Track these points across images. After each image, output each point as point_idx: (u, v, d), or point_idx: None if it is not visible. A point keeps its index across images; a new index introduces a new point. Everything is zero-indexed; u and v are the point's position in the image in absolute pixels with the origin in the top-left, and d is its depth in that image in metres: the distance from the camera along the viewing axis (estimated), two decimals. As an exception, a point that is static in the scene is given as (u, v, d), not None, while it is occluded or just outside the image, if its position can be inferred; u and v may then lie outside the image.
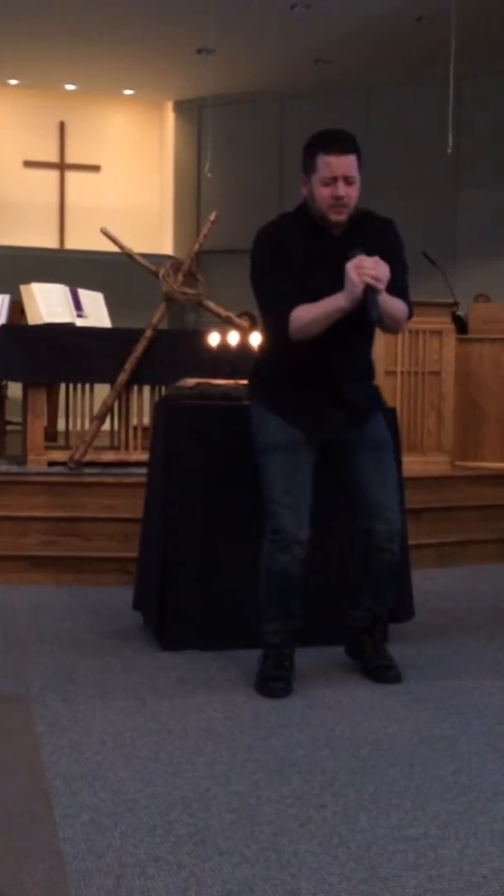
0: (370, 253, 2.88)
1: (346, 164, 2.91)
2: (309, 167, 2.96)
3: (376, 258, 2.85)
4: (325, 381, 3.04)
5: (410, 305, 3.09)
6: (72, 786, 2.31)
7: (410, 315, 3.10)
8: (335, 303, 2.88)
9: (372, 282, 2.82)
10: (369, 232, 3.03)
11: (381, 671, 3.16)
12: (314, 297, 2.92)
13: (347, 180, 2.91)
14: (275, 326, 3.02)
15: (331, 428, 3.08)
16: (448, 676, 3.23)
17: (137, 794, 2.27)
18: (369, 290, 2.82)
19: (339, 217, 2.96)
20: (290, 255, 2.98)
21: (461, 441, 5.82)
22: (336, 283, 2.89)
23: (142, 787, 2.31)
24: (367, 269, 2.82)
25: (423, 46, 10.11)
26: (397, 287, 2.97)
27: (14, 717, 2.79)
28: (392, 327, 3.06)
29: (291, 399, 3.06)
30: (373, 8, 9.48)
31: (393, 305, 2.96)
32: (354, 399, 3.09)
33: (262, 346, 3.20)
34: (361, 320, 2.91)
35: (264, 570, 3.08)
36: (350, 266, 2.84)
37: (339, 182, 2.91)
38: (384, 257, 2.90)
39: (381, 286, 2.83)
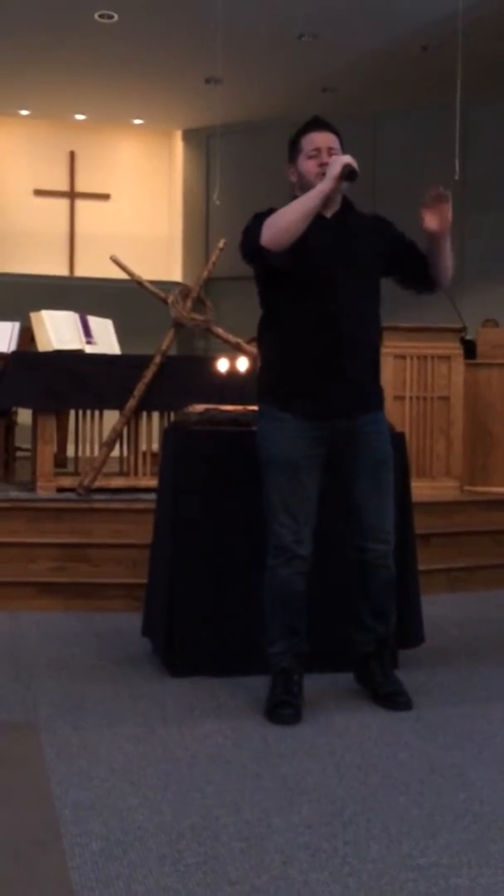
0: (359, 238, 3.07)
1: (328, 137, 3.10)
2: (294, 152, 3.13)
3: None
4: (327, 359, 3.03)
5: None
6: (80, 814, 2.30)
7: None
8: (314, 189, 2.96)
9: (351, 161, 2.95)
10: (361, 219, 3.15)
11: (390, 698, 3.14)
12: (305, 273, 2.98)
13: (331, 152, 3.06)
14: (244, 243, 3.03)
15: (334, 411, 3.05)
16: (459, 703, 3.21)
17: (146, 823, 2.25)
18: (347, 167, 2.95)
19: None
20: None
21: (470, 466, 5.81)
22: (330, 261, 2.98)
23: (151, 815, 2.30)
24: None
25: (429, 74, 10.20)
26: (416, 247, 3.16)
27: (22, 745, 2.78)
28: (442, 272, 3.15)
29: (293, 381, 3.06)
30: (378, 37, 9.57)
31: (448, 255, 3.12)
32: (358, 378, 3.07)
33: (260, 334, 3.20)
34: (359, 297, 3.02)
35: (267, 586, 3.10)
36: (333, 157, 3.00)
37: (324, 152, 3.06)
38: (381, 237, 3.13)
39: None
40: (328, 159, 3.03)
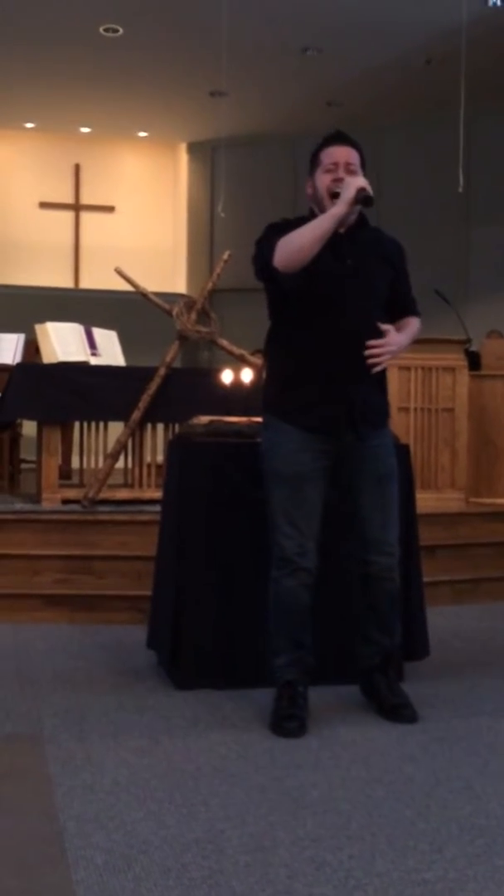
0: (370, 258, 3.07)
1: (347, 152, 3.06)
2: (313, 165, 3.11)
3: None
4: (333, 379, 3.03)
5: (419, 310, 3.29)
6: (85, 827, 2.29)
7: (421, 315, 3.30)
8: (327, 213, 2.96)
9: (366, 185, 2.94)
10: (375, 239, 3.16)
11: (396, 710, 3.13)
12: (317, 288, 2.98)
13: (349, 168, 3.03)
14: (257, 260, 3.04)
15: (339, 432, 3.05)
16: (464, 715, 3.20)
17: (151, 836, 2.25)
18: (361, 191, 2.94)
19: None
20: None
21: (475, 477, 5.80)
22: (340, 280, 2.99)
23: (156, 828, 2.29)
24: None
25: (433, 88, 10.24)
26: (409, 301, 3.24)
27: (27, 757, 2.78)
28: None
29: (298, 398, 3.07)
30: (382, 51, 9.61)
31: (412, 333, 3.20)
32: (363, 398, 3.07)
33: (267, 347, 3.20)
34: (369, 315, 3.02)
35: (272, 598, 3.10)
36: (347, 178, 2.98)
37: (340, 168, 3.04)
38: (392, 268, 3.15)
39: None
40: (343, 174, 3.01)
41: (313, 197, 3.11)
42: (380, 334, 3.08)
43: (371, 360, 3.00)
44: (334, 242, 2.99)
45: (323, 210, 3.03)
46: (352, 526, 3.14)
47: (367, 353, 2.99)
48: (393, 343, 3.04)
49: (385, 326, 3.04)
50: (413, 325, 3.24)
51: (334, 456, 3.07)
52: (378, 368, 3.03)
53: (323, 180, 3.05)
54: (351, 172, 3.02)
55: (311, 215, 3.10)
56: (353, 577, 3.18)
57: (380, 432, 3.15)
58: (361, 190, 2.93)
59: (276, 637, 3.12)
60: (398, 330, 3.14)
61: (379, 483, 3.11)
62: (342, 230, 3.04)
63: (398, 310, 3.22)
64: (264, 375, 3.25)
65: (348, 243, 3.05)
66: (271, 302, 3.14)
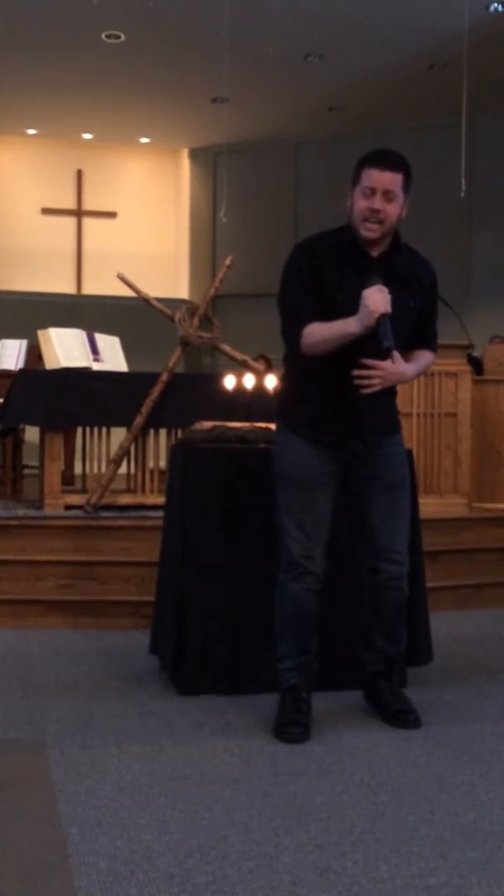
0: (400, 286, 2.93)
1: (388, 178, 2.93)
2: (355, 179, 3.00)
3: (387, 294, 2.88)
4: (342, 397, 3.02)
5: (436, 345, 3.25)
6: (88, 833, 2.29)
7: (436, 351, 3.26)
8: (346, 327, 2.91)
9: (387, 308, 2.85)
10: (409, 265, 3.07)
11: (399, 716, 3.13)
12: (343, 313, 2.92)
13: (387, 196, 2.93)
14: (289, 339, 3.06)
15: (348, 446, 3.05)
16: (468, 721, 3.19)
17: (154, 842, 2.24)
18: (383, 318, 2.85)
19: (369, 233, 2.96)
20: (323, 268, 2.99)
21: (478, 483, 5.80)
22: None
23: (159, 834, 2.29)
24: (381, 301, 2.85)
25: (435, 93, 10.25)
26: (429, 334, 3.19)
27: (30, 763, 2.78)
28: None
29: (309, 414, 3.07)
30: (385, 57, 9.62)
31: (421, 367, 3.17)
32: (374, 419, 3.06)
33: (285, 362, 3.21)
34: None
35: (278, 601, 3.10)
36: (366, 293, 2.86)
37: (378, 195, 2.92)
38: (421, 297, 3.06)
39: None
40: (380, 204, 2.91)
41: (349, 213, 3.01)
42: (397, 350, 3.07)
43: (359, 382, 2.93)
44: (364, 268, 2.95)
45: (356, 227, 2.98)
46: (362, 533, 3.14)
47: (357, 372, 2.92)
48: (389, 371, 2.94)
49: (390, 362, 2.96)
50: (425, 359, 3.18)
51: (345, 462, 3.08)
52: (367, 391, 2.95)
53: (360, 205, 2.96)
54: (388, 200, 2.93)
55: (345, 235, 3.03)
56: (362, 583, 3.18)
57: (391, 440, 3.14)
58: (382, 318, 2.85)
59: (280, 641, 3.12)
60: (407, 360, 3.09)
61: (389, 491, 3.10)
62: (375, 255, 2.99)
63: (415, 339, 3.14)
64: (281, 383, 3.26)
65: (378, 270, 2.97)
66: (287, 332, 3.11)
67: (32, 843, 2.25)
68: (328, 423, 3.04)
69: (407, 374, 3.06)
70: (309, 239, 3.10)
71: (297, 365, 3.12)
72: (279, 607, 3.11)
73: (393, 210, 2.94)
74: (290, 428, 3.11)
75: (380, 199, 2.92)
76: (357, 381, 2.94)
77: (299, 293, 3.01)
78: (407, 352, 3.11)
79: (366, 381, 2.94)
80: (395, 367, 2.97)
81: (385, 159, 2.96)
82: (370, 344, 2.91)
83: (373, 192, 2.93)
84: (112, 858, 2.16)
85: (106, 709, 3.27)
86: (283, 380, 3.22)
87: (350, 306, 2.91)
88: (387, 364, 2.94)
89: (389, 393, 3.13)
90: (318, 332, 2.95)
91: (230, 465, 3.52)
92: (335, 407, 3.04)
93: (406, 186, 2.98)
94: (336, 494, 3.09)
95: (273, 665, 3.13)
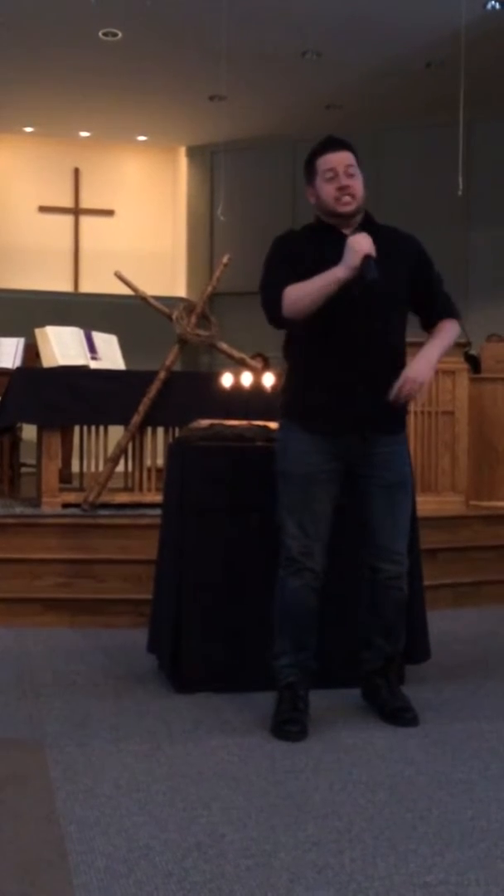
0: (383, 256, 2.93)
1: (344, 156, 3.05)
2: (311, 174, 3.09)
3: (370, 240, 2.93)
4: (344, 388, 3.03)
5: (456, 310, 3.21)
6: (86, 832, 2.29)
7: (460, 316, 3.22)
8: (331, 274, 2.93)
9: (371, 250, 2.89)
10: (390, 238, 3.09)
11: (397, 714, 3.13)
12: (335, 307, 2.95)
13: (348, 171, 3.03)
14: (270, 310, 3.04)
15: (347, 435, 3.05)
16: (465, 719, 3.20)
17: (152, 840, 2.24)
18: (367, 259, 2.88)
19: (347, 208, 3.02)
20: (303, 253, 3.05)
21: (476, 481, 5.80)
22: (349, 291, 2.94)
23: (157, 832, 2.29)
24: (366, 243, 2.91)
25: (433, 91, 10.24)
26: (439, 301, 3.17)
27: (28, 762, 2.78)
28: None
29: (308, 401, 3.08)
30: (382, 55, 9.62)
31: (444, 343, 3.13)
32: (374, 404, 3.04)
33: (284, 355, 3.23)
34: (385, 321, 3.01)
35: (277, 598, 3.11)
36: (351, 238, 2.93)
37: (341, 174, 3.02)
38: (408, 268, 3.07)
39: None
40: (346, 180, 2.99)
41: (317, 206, 3.09)
42: (396, 337, 3.08)
43: (399, 400, 3.00)
44: (342, 246, 2.95)
45: (330, 216, 3.03)
46: (362, 532, 3.14)
47: (392, 399, 2.99)
48: (409, 375, 2.98)
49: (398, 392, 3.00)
50: (445, 331, 3.15)
51: (346, 459, 3.07)
52: (413, 398, 3.04)
53: (326, 191, 3.02)
54: (350, 175, 3.01)
55: (318, 223, 3.10)
56: (357, 580, 3.18)
57: (393, 438, 3.13)
58: (367, 257, 2.87)
59: (279, 638, 3.12)
60: (431, 338, 3.12)
61: (389, 491, 3.10)
62: (349, 233, 3.01)
63: (429, 311, 3.16)
64: (282, 379, 3.27)
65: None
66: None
67: (31, 841, 2.25)
68: (326, 411, 3.04)
69: (431, 357, 3.07)
70: (286, 232, 3.16)
71: (295, 356, 3.14)
72: (277, 604, 3.11)
73: (357, 184, 3.04)
74: (291, 420, 3.12)
75: (344, 177, 3.02)
76: (397, 402, 3.01)
77: (277, 270, 3.05)
78: (429, 330, 3.15)
79: (405, 397, 3.01)
80: (412, 366, 3.00)
81: (334, 142, 3.09)
82: (359, 318, 2.97)
83: (335, 173, 3.02)
84: (110, 856, 2.16)
85: (104, 707, 3.27)
86: (284, 374, 3.24)
87: (337, 295, 2.94)
88: (404, 374, 2.99)
89: (393, 380, 3.11)
90: (300, 288, 2.96)
91: (228, 464, 3.52)
92: (334, 394, 3.04)
93: (359, 163, 3.08)
94: (337, 492, 3.09)
95: (270, 662, 3.13)
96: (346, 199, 3.01)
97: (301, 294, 2.95)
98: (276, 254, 3.10)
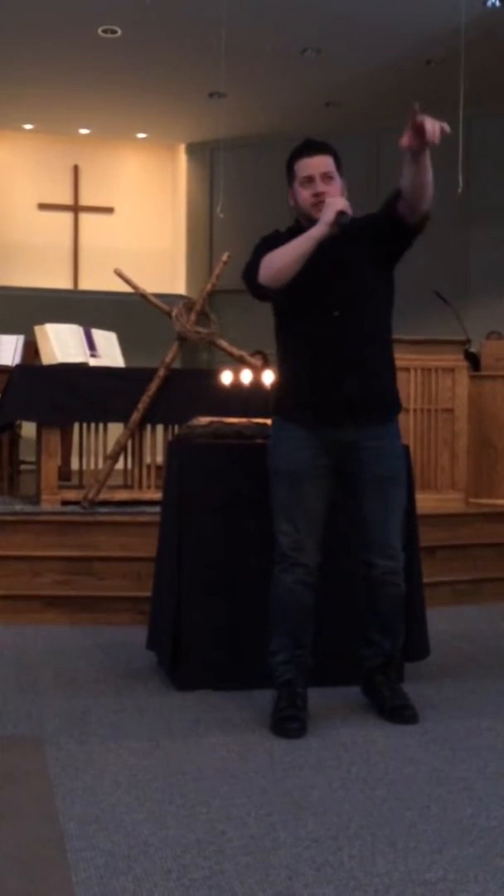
0: (354, 241, 2.98)
1: (320, 162, 3.06)
2: (290, 178, 3.11)
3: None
4: (326, 375, 3.05)
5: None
6: (86, 829, 2.29)
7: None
8: (308, 234, 2.96)
9: (345, 207, 2.93)
10: (354, 224, 3.06)
11: (397, 711, 3.13)
12: (308, 293, 2.99)
13: (325, 177, 3.04)
14: (250, 284, 3.06)
15: (333, 422, 3.05)
16: (465, 716, 3.20)
17: (152, 837, 2.24)
18: (342, 215, 2.93)
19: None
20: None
21: (475, 478, 5.80)
22: (324, 277, 2.98)
23: (156, 829, 2.29)
24: (341, 200, 2.96)
25: (432, 89, 10.19)
26: (383, 208, 3.11)
27: (28, 759, 2.78)
28: (418, 191, 3.03)
29: (295, 393, 3.10)
30: (382, 52, 9.61)
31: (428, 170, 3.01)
32: (358, 391, 3.05)
33: (276, 348, 3.25)
34: (360, 303, 3.01)
35: (271, 594, 3.13)
36: (328, 199, 2.97)
37: (317, 180, 3.04)
38: (369, 240, 3.05)
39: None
40: (322, 187, 3.03)
41: (296, 208, 3.13)
42: (376, 320, 3.10)
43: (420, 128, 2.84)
44: (320, 244, 2.99)
45: (308, 220, 3.06)
46: (355, 527, 3.15)
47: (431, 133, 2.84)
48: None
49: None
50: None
51: (336, 455, 3.07)
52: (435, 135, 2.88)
53: (303, 196, 3.06)
54: (327, 181, 3.04)
55: (298, 225, 3.12)
56: (355, 577, 3.18)
57: (384, 430, 3.12)
58: (341, 213, 2.94)
59: (275, 634, 3.12)
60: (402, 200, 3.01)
61: (380, 485, 3.10)
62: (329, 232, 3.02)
63: (386, 208, 3.06)
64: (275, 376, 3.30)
65: (331, 247, 3.00)
66: (273, 310, 3.17)
67: (30, 838, 2.25)
68: (315, 401, 3.06)
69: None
70: (271, 232, 3.18)
71: (281, 350, 3.17)
72: (272, 600, 3.12)
73: (334, 190, 3.05)
74: (280, 415, 3.14)
75: (320, 183, 3.04)
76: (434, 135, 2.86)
77: (257, 255, 3.06)
78: (398, 204, 3.04)
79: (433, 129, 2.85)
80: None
81: (312, 146, 3.10)
82: (337, 304, 2.99)
83: (310, 179, 3.04)
84: (110, 854, 2.16)
85: (103, 704, 3.27)
86: (276, 368, 3.27)
87: (311, 278, 2.96)
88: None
89: (381, 369, 3.13)
90: (276, 254, 3.00)
91: (227, 461, 3.52)
92: (320, 383, 3.06)
93: (339, 168, 3.09)
94: (329, 488, 3.09)
95: (268, 659, 3.14)
96: (323, 206, 3.01)
97: (277, 259, 2.99)
98: (259, 246, 3.12)
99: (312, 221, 3.03)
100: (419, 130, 2.79)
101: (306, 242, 2.96)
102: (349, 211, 2.95)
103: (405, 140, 2.85)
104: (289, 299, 3.05)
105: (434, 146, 2.94)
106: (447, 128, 2.83)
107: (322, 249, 2.99)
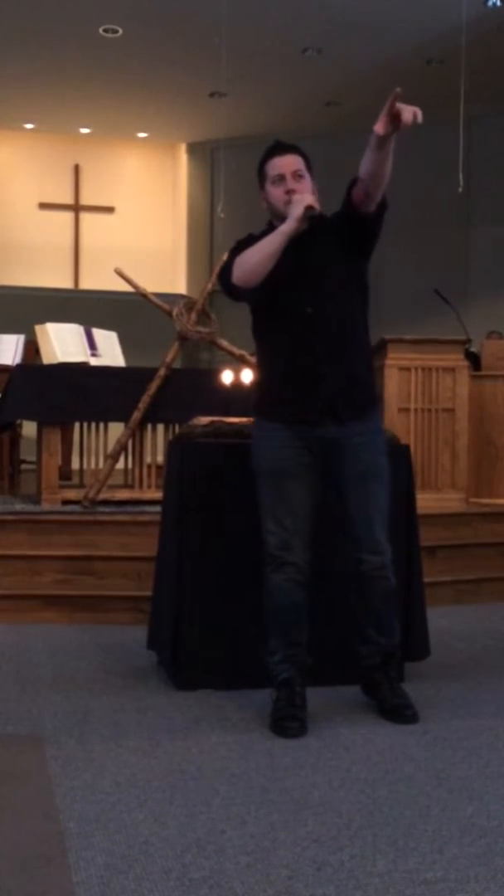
0: (321, 237, 3.02)
1: (290, 161, 3.11)
2: (261, 179, 3.16)
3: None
4: (302, 372, 3.06)
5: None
6: (86, 828, 2.29)
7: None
8: (277, 231, 3.00)
9: (313, 202, 2.98)
10: (322, 223, 3.10)
11: (397, 711, 3.13)
12: (280, 292, 3.02)
13: (295, 175, 3.08)
14: (221, 277, 3.12)
15: (312, 419, 3.06)
16: (465, 716, 3.20)
17: (152, 837, 2.24)
18: (310, 209, 2.97)
19: None
20: None
21: (476, 478, 5.80)
22: (295, 276, 3.02)
23: (156, 829, 2.29)
24: (309, 196, 3.01)
25: (433, 88, 10.20)
26: (344, 206, 3.11)
27: (27, 758, 2.78)
28: (377, 179, 3.00)
29: (273, 391, 3.13)
30: (383, 51, 9.61)
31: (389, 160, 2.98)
32: (335, 387, 3.06)
33: (256, 351, 3.29)
34: (332, 299, 3.03)
35: (264, 594, 3.13)
36: (295, 196, 3.02)
37: (288, 177, 3.08)
38: (337, 234, 3.07)
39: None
40: (293, 184, 3.06)
41: (269, 210, 3.16)
42: (349, 316, 3.11)
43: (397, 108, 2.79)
44: (293, 242, 3.02)
45: (281, 220, 3.08)
46: (341, 525, 3.15)
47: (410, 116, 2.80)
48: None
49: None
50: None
51: (318, 452, 3.08)
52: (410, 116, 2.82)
53: (275, 194, 3.10)
54: (299, 178, 3.07)
55: (271, 227, 3.14)
56: (351, 575, 3.18)
57: (364, 426, 3.12)
58: (309, 208, 2.98)
59: (270, 635, 3.13)
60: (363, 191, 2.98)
61: (362, 481, 3.10)
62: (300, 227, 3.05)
63: (348, 210, 3.03)
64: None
65: (304, 242, 3.04)
66: (250, 310, 3.21)
67: (30, 837, 2.25)
68: (295, 398, 3.07)
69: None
70: (246, 235, 3.21)
71: (260, 351, 3.20)
72: (265, 600, 3.13)
73: (304, 188, 3.09)
74: (263, 416, 3.16)
75: (291, 181, 3.08)
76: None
77: (232, 257, 3.11)
78: (358, 191, 3.01)
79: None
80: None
81: (281, 147, 3.15)
82: (310, 301, 3.02)
83: (282, 177, 3.09)
84: (110, 853, 2.16)
85: (103, 704, 3.27)
86: (256, 371, 3.29)
87: (282, 277, 2.99)
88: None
89: (357, 362, 3.13)
90: (247, 253, 3.04)
91: (228, 460, 3.52)
92: (298, 380, 3.07)
93: (309, 169, 3.13)
94: (315, 486, 3.10)
95: (265, 660, 3.14)
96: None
97: (248, 258, 3.02)
98: (233, 250, 3.16)
99: (285, 221, 3.05)
100: (395, 117, 2.77)
101: (277, 239, 2.99)
102: (317, 206, 2.99)
103: (380, 126, 2.84)
104: (262, 298, 3.08)
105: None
106: (420, 116, 2.82)
107: (293, 248, 3.01)
